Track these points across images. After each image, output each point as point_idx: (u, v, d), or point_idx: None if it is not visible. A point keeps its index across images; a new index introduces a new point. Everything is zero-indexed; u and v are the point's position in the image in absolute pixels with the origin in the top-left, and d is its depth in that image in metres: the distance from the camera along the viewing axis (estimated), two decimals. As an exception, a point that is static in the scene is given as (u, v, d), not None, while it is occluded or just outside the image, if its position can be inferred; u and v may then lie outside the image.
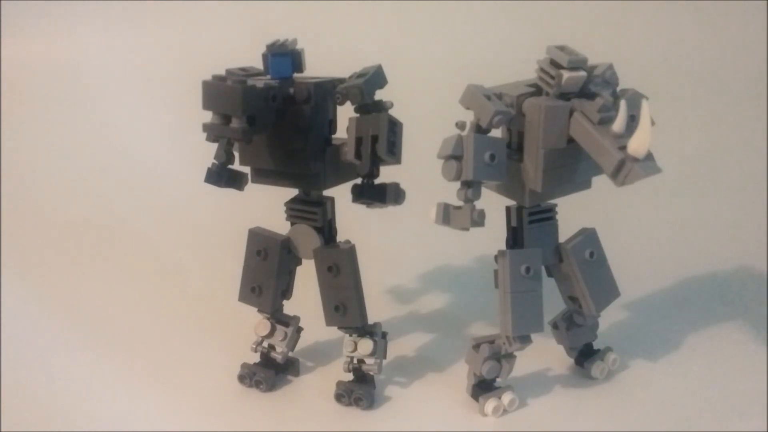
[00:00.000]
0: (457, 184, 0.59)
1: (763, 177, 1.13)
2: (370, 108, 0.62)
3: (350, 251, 0.67)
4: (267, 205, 0.70)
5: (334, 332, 0.70)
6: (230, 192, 0.62)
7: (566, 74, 0.58)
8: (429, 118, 0.82)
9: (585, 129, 0.57)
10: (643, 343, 0.76)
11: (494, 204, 0.63)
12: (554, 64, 0.60)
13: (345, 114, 0.63)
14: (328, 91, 0.64)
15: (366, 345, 0.67)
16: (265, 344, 0.71)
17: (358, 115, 0.62)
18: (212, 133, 0.59)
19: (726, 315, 0.82)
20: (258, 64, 0.66)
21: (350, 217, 0.73)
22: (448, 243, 0.89)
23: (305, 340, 0.74)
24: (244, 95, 0.56)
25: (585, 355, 0.71)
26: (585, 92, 0.60)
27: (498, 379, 0.67)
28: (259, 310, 0.71)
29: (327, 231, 0.68)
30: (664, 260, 0.98)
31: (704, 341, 0.77)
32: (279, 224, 0.70)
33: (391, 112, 0.62)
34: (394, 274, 0.95)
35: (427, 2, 1.26)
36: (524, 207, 0.64)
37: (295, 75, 0.65)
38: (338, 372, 0.69)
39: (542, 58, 0.61)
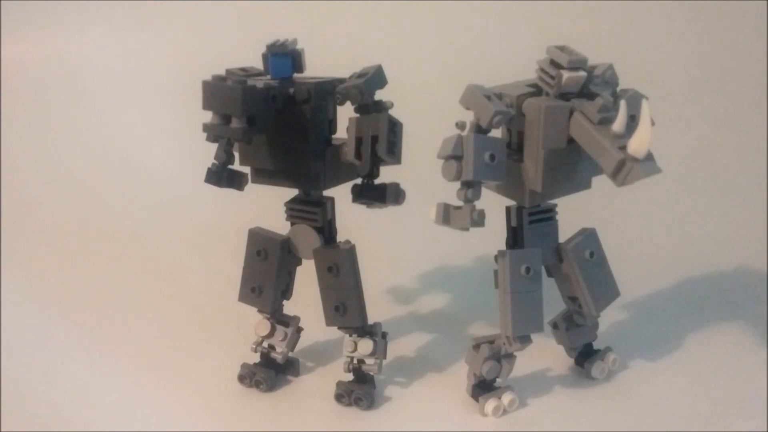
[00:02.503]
0: (457, 184, 0.59)
1: (763, 177, 1.13)
2: (370, 108, 0.62)
3: (350, 251, 0.67)
4: (267, 205, 0.70)
5: (334, 332, 0.70)
6: (230, 192, 0.62)
7: (566, 74, 0.58)
8: (429, 118, 0.82)
9: (585, 129, 0.57)
10: (643, 343, 0.76)
11: (494, 204, 0.63)
12: (554, 64, 0.60)
13: (345, 114, 0.63)
14: (328, 91, 0.64)
15: (366, 345, 0.67)
16: (265, 344, 0.71)
17: (358, 115, 0.62)
18: (212, 133, 0.59)
19: (726, 315, 0.82)
20: (258, 64, 0.66)
21: (350, 217, 0.73)
22: (448, 243, 0.89)
23: (305, 340, 0.74)
24: (244, 95, 0.56)
25: (585, 355, 0.71)
26: (585, 92, 0.60)
27: (498, 379, 0.67)
28: (259, 310, 0.71)
29: (327, 231, 0.68)
30: (664, 260, 0.98)
31: (704, 341, 0.77)
32: (279, 224, 0.70)
33: (391, 112, 0.62)
34: (394, 274, 0.95)
35: (427, 2, 1.26)
36: (524, 207, 0.64)
37: (295, 75, 0.65)
38: (338, 372, 0.69)
39: (542, 58, 0.61)
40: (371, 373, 0.68)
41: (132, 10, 1.32)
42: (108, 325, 0.83)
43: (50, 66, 1.31)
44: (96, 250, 1.04)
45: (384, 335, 0.69)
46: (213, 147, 0.60)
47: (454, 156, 0.58)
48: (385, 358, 0.69)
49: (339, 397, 0.67)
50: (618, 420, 0.65)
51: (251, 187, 0.65)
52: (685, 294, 0.89)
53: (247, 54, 0.69)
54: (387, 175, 0.63)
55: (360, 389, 0.67)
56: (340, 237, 0.70)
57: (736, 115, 1.20)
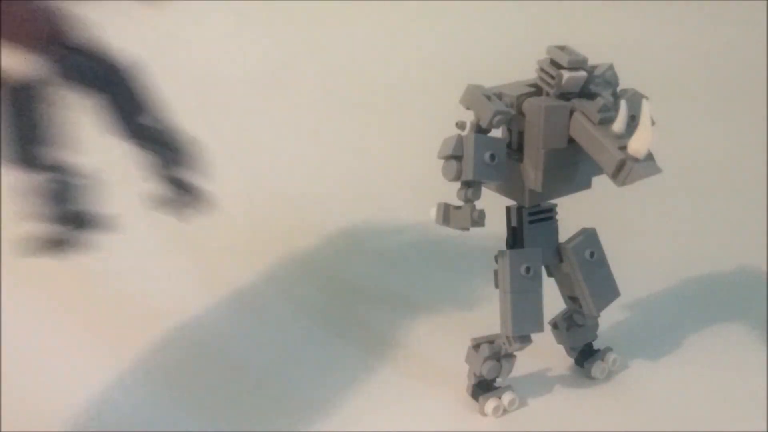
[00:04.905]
0: (457, 184, 0.59)
1: (763, 177, 1.13)
2: None
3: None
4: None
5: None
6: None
7: (566, 74, 0.58)
8: (429, 118, 0.82)
9: (585, 129, 0.57)
10: (643, 343, 0.76)
11: (494, 204, 0.63)
12: (554, 64, 0.60)
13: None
14: None
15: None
16: None
17: None
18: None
19: (726, 315, 0.82)
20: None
21: (350, 217, 0.73)
22: (448, 243, 0.88)
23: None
24: None
25: (585, 355, 0.71)
26: (585, 92, 0.60)
27: (498, 379, 0.67)
28: None
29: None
30: (664, 260, 0.98)
31: (704, 341, 0.77)
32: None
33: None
34: (394, 274, 0.95)
35: (427, 2, 1.26)
36: (524, 207, 0.64)
37: None
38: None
39: (542, 58, 0.61)
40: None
41: (132, 9, 1.31)
42: (107, 325, 0.83)
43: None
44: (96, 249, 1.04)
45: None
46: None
47: (454, 156, 0.58)
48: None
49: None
50: (618, 420, 0.65)
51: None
52: (685, 294, 0.89)
53: (251, 54, 0.69)
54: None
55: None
56: (341, 237, 0.70)
57: (736, 115, 1.20)
